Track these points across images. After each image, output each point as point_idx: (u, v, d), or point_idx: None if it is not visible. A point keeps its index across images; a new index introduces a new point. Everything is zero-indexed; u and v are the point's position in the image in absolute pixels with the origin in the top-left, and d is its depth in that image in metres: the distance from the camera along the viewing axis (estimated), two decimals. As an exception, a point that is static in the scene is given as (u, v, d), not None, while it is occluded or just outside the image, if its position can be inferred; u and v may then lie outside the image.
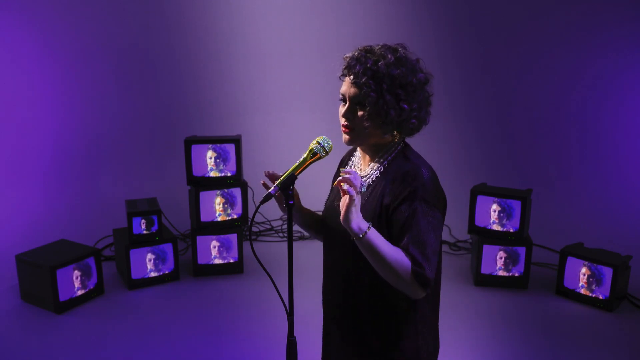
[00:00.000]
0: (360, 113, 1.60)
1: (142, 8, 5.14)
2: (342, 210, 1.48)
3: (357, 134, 1.63)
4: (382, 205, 1.59)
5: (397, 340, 1.66)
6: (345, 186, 1.47)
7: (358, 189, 1.48)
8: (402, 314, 1.65)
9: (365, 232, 1.48)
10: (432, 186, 1.58)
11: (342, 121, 1.64)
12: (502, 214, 3.97)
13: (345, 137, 1.65)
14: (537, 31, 5.02)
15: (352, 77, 1.61)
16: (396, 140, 1.67)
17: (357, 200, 1.48)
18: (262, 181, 1.68)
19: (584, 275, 3.80)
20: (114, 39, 5.11)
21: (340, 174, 1.49)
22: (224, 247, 4.21)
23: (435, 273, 1.55)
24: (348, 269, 1.68)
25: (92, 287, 3.84)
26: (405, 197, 1.55)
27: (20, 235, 4.47)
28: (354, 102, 1.61)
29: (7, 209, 4.64)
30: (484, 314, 3.74)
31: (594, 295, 3.79)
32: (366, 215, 1.59)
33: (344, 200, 1.47)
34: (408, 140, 1.72)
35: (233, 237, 4.20)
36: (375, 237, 1.50)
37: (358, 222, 1.49)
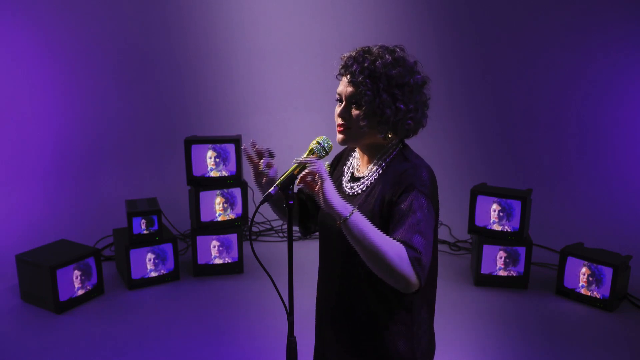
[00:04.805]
0: (356, 112, 1.60)
1: (142, 8, 5.14)
2: (320, 194, 1.45)
3: (352, 134, 1.63)
4: (382, 203, 1.58)
5: (392, 341, 1.65)
6: (314, 167, 1.45)
7: (324, 174, 1.46)
8: (397, 315, 1.64)
9: (352, 212, 1.44)
10: (430, 184, 1.58)
11: (338, 121, 1.64)
12: (502, 214, 3.98)
13: (340, 136, 1.64)
14: (537, 31, 5.01)
15: (349, 76, 1.61)
16: (393, 141, 1.66)
17: (330, 181, 1.47)
18: (243, 146, 1.68)
19: (584, 275, 3.80)
20: (114, 39, 5.11)
21: (305, 164, 1.48)
22: (224, 247, 4.21)
23: (429, 266, 1.50)
24: (343, 270, 1.68)
25: (92, 287, 3.84)
26: (404, 190, 1.55)
27: (20, 235, 4.47)
28: (350, 102, 1.61)
29: (7, 209, 4.64)
30: (484, 314, 3.74)
31: (594, 295, 3.79)
32: (365, 215, 1.58)
33: (320, 184, 1.45)
34: (408, 141, 1.71)
35: (233, 237, 4.20)
36: (363, 220, 1.46)
37: (342, 202, 1.46)
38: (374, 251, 1.43)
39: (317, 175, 1.46)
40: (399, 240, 1.47)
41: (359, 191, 1.67)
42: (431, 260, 1.67)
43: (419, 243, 1.46)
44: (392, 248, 1.43)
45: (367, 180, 1.66)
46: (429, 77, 1.65)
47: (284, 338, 2.33)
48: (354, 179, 1.72)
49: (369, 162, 1.69)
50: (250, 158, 1.67)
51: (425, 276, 1.47)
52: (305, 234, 1.91)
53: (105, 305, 3.81)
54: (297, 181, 1.51)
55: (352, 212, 1.44)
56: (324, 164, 1.53)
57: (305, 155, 1.61)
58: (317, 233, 1.84)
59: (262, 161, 1.65)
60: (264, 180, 1.68)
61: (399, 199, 1.55)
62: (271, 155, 1.68)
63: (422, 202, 1.53)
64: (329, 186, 1.46)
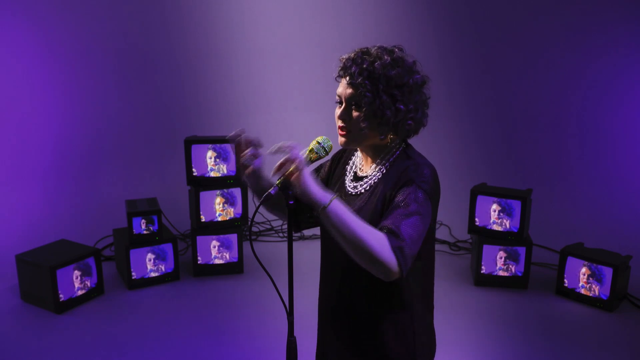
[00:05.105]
0: (356, 114, 1.60)
1: (142, 8, 5.14)
2: (299, 182, 1.43)
3: (353, 136, 1.62)
4: (384, 201, 1.58)
5: (392, 341, 1.65)
6: (292, 154, 1.44)
7: (302, 162, 1.45)
8: (397, 315, 1.65)
9: (331, 200, 1.44)
10: (431, 181, 1.58)
11: (338, 123, 1.64)
12: (502, 214, 3.98)
13: (342, 139, 1.64)
14: (537, 31, 5.02)
15: (348, 78, 1.61)
16: (394, 142, 1.66)
17: (308, 170, 1.45)
18: (231, 134, 1.62)
19: (584, 275, 3.80)
20: (114, 39, 5.11)
21: (282, 151, 1.45)
22: (224, 247, 4.21)
23: (414, 256, 1.48)
24: (344, 269, 1.68)
25: (92, 287, 3.84)
26: (403, 184, 1.55)
27: (20, 235, 4.47)
28: (350, 103, 1.61)
29: (7, 209, 4.64)
30: (484, 314, 3.74)
31: (594, 295, 3.79)
32: (367, 214, 1.59)
33: (298, 172, 1.43)
34: (409, 141, 1.71)
35: (233, 237, 4.20)
36: (343, 208, 1.45)
37: (320, 190, 1.45)
38: (354, 239, 1.42)
39: (294, 164, 1.45)
40: (387, 228, 1.47)
41: (362, 190, 1.67)
42: (428, 259, 1.68)
43: (405, 232, 1.46)
44: (372, 235, 1.43)
45: (370, 179, 1.66)
46: (428, 77, 1.64)
47: (284, 338, 2.33)
48: (357, 178, 1.72)
49: (372, 161, 1.69)
50: (237, 147, 1.64)
51: (407, 266, 1.45)
52: (295, 231, 1.91)
53: (105, 305, 3.81)
54: (273, 171, 1.48)
55: (332, 200, 1.44)
56: (301, 152, 1.50)
57: (306, 154, 1.61)
58: (317, 232, 1.84)
59: (247, 151, 1.62)
60: (248, 170, 1.65)
61: (397, 192, 1.55)
62: (258, 145, 1.65)
63: (419, 196, 1.52)
64: (307, 174, 1.45)
